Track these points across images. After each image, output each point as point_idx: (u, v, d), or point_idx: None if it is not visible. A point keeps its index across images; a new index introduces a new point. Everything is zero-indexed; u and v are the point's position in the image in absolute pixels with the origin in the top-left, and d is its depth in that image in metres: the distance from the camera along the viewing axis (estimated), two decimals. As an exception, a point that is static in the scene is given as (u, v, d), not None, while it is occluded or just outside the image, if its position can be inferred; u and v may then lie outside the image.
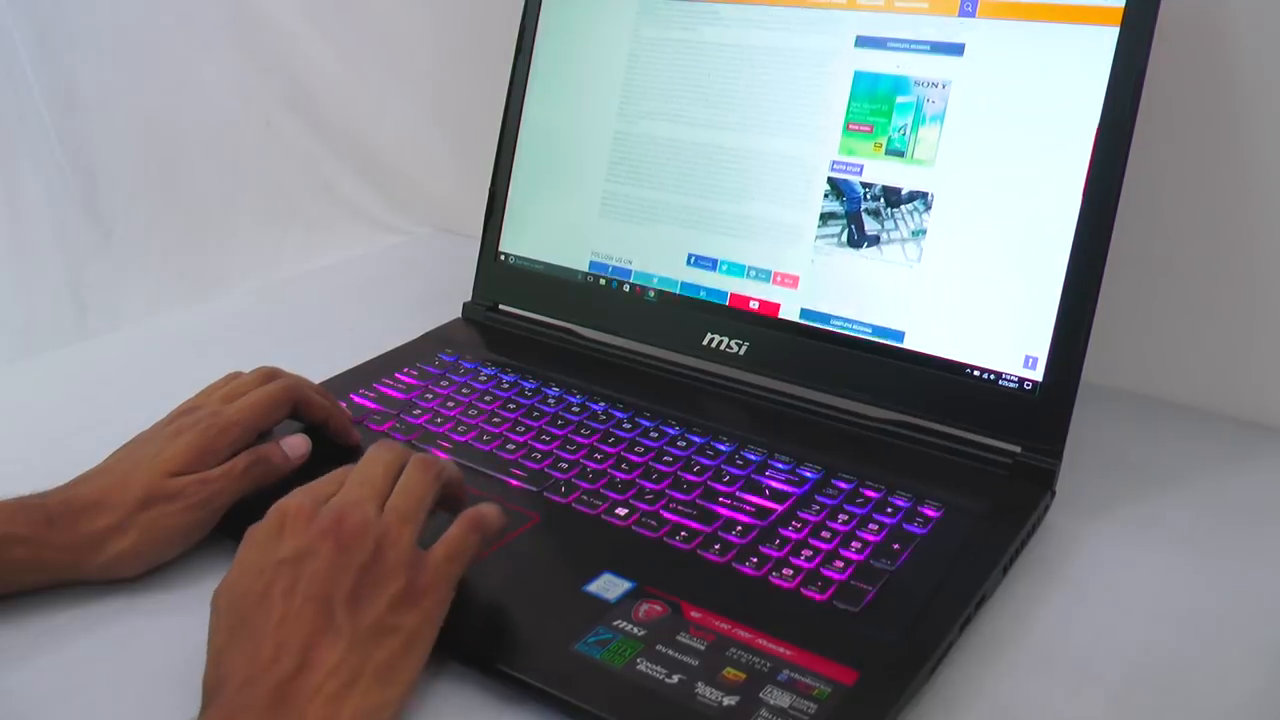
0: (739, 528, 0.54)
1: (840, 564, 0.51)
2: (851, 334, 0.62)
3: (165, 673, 0.47)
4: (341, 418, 0.61)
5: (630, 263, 0.71)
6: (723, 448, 0.60)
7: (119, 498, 0.51)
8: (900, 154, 0.61)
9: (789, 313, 0.65)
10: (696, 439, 0.61)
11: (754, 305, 0.66)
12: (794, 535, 0.53)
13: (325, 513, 0.44)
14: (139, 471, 0.52)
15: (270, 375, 0.59)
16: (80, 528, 0.50)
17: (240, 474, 0.53)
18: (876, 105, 0.62)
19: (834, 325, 0.63)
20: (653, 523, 0.54)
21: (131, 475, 0.52)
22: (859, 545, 0.52)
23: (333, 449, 0.60)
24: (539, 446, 0.61)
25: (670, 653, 0.45)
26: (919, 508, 0.55)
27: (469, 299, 0.78)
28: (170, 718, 0.40)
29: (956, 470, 0.58)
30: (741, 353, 0.66)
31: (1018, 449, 0.58)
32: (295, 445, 0.57)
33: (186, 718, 0.39)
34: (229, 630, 0.42)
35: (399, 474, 0.48)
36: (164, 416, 0.56)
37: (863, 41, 0.63)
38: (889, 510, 0.55)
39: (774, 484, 0.57)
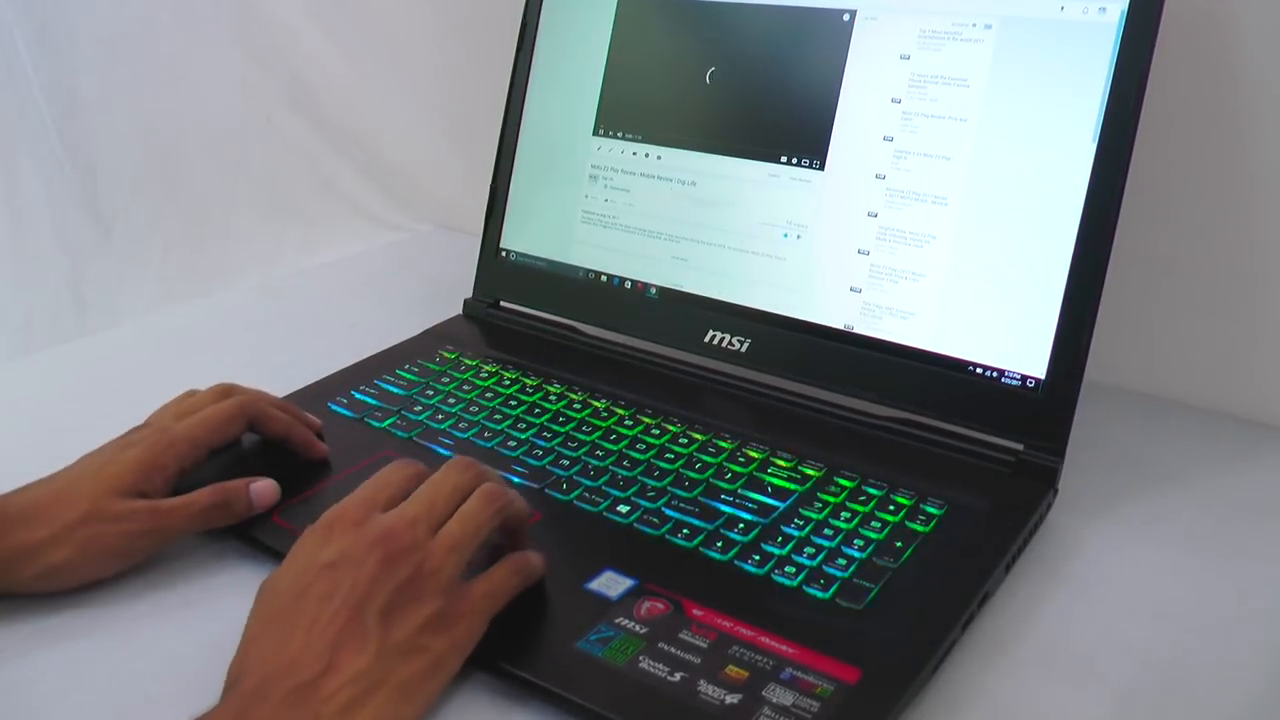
0: (741, 525, 0.54)
1: (843, 561, 0.51)
2: (854, 331, 0.62)
3: (166, 671, 0.47)
4: (302, 433, 0.59)
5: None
6: (725, 445, 0.60)
7: (57, 511, 0.49)
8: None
9: (792, 310, 0.65)
10: (698, 436, 0.61)
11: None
12: (796, 533, 0.53)
13: (375, 525, 0.44)
14: (83, 485, 0.50)
15: (226, 392, 0.58)
16: (12, 539, 0.48)
17: (196, 512, 0.52)
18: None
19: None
20: (655, 520, 0.54)
21: (74, 488, 0.50)
22: (861, 543, 0.52)
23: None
24: (540, 443, 0.61)
25: (672, 650, 0.45)
26: (921, 505, 0.55)
27: (470, 296, 0.78)
28: (171, 715, 0.40)
29: (959, 468, 0.58)
30: (743, 350, 0.66)
31: (1020, 447, 0.58)
32: (263, 492, 0.54)
33: (186, 715, 0.39)
34: (261, 623, 0.43)
35: (464, 499, 0.47)
36: (117, 436, 0.55)
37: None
38: (891, 508, 0.55)
39: (776, 481, 0.57)
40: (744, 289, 0.66)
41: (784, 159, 0.65)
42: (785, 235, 0.65)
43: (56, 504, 0.50)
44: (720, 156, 0.67)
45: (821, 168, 0.64)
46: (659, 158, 0.70)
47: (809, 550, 0.52)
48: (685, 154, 0.69)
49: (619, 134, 0.71)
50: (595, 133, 0.72)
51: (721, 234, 0.67)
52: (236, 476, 0.54)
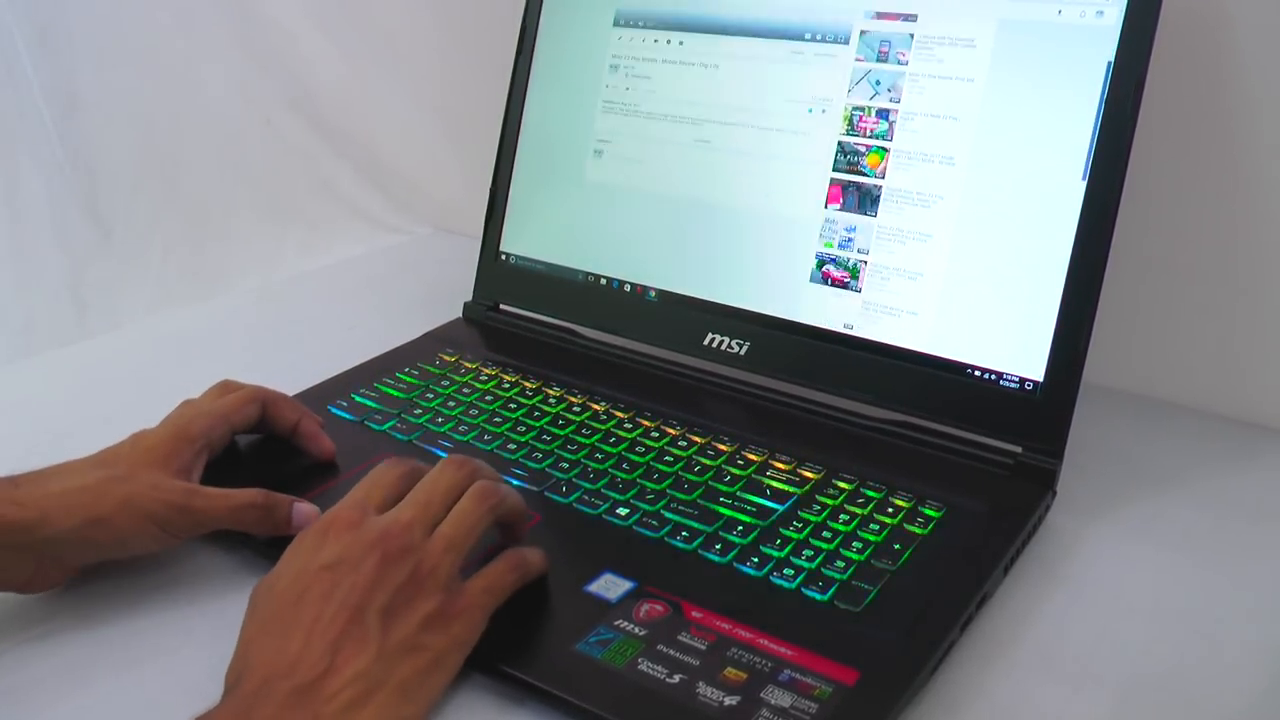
0: (740, 527, 0.54)
1: (841, 564, 0.51)
2: (853, 334, 0.63)
3: (166, 674, 0.47)
4: (312, 423, 0.59)
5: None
6: (724, 447, 0.60)
7: (97, 471, 0.50)
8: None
9: (791, 313, 0.65)
10: (698, 439, 0.61)
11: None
12: (795, 535, 0.53)
13: (372, 527, 0.45)
14: (119, 457, 0.52)
15: (227, 385, 0.59)
16: (53, 484, 0.48)
17: (236, 506, 0.51)
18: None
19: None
20: (654, 522, 0.54)
21: (112, 459, 0.51)
22: (860, 545, 0.52)
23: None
24: (540, 446, 0.61)
25: (671, 652, 0.45)
26: (920, 508, 0.55)
27: (470, 299, 0.78)
28: (172, 716, 0.40)
29: (958, 470, 0.58)
30: (742, 353, 0.66)
31: (1019, 449, 0.58)
32: (305, 514, 0.53)
33: (187, 716, 0.39)
34: (260, 625, 0.43)
35: (458, 497, 0.47)
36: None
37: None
38: (890, 510, 0.55)
39: (775, 484, 0.57)
40: (743, 291, 0.66)
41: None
42: (810, 110, 0.64)
43: (97, 466, 0.50)
44: (742, 38, 0.66)
45: (845, 42, 0.63)
46: (681, 43, 0.69)
47: (807, 553, 0.52)
48: (707, 38, 0.68)
49: (639, 24, 0.71)
50: (616, 24, 0.72)
51: (745, 114, 0.66)
52: (239, 480, 0.53)
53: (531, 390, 0.67)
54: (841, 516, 0.54)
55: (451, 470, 0.48)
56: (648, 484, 0.57)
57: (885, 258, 0.62)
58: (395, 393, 0.67)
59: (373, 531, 0.44)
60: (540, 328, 0.75)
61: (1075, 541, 0.56)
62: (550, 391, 0.67)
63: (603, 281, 0.72)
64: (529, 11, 0.75)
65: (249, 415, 0.57)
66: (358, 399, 0.66)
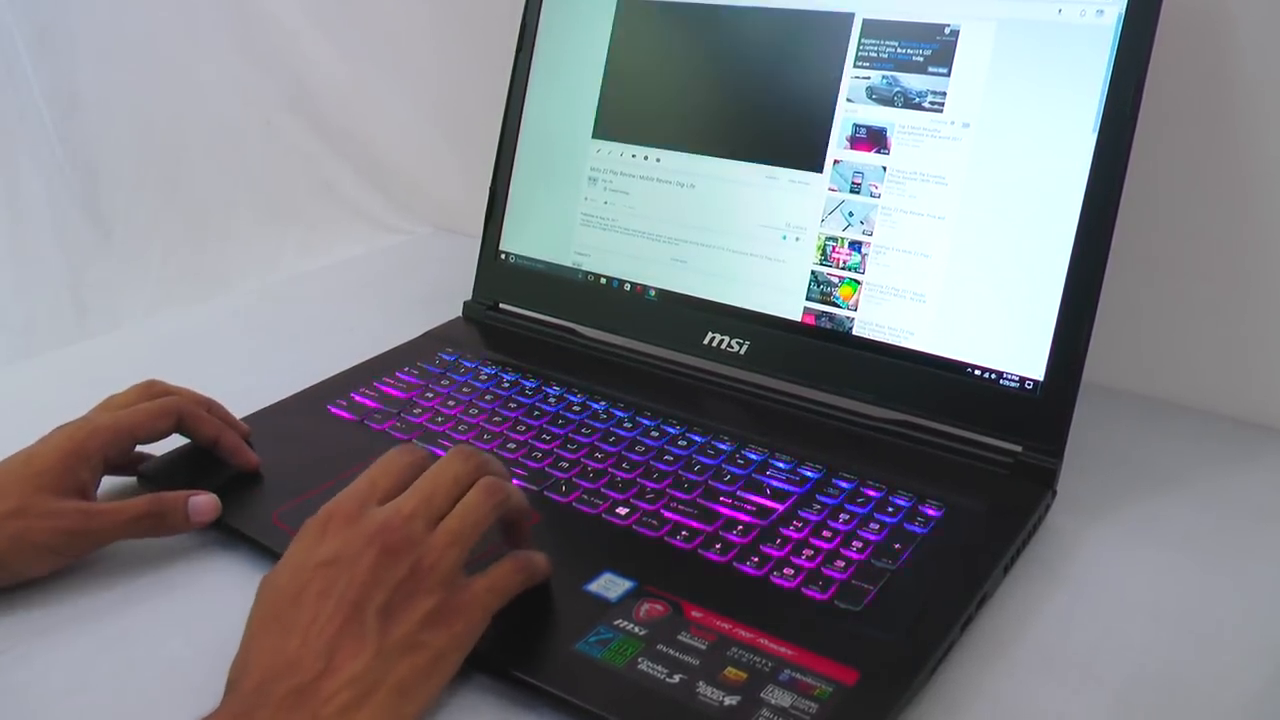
0: (740, 527, 0.54)
1: (841, 563, 0.51)
2: (853, 333, 0.62)
3: (166, 673, 0.47)
4: (232, 438, 0.58)
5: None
6: (723, 447, 0.60)
7: None
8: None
9: (790, 312, 0.65)
10: (697, 438, 0.61)
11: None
12: (795, 534, 0.53)
13: (371, 520, 0.44)
14: (9, 480, 0.50)
15: (150, 386, 0.58)
16: None
17: (128, 520, 0.51)
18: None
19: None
20: (654, 522, 0.54)
21: (2, 484, 0.50)
22: (860, 545, 0.52)
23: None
24: (540, 446, 0.61)
25: (671, 652, 0.45)
26: (920, 507, 0.55)
27: (469, 298, 0.78)
28: (172, 716, 0.40)
29: (958, 470, 0.58)
30: (742, 352, 0.66)
31: (1019, 449, 0.58)
32: (201, 507, 0.53)
33: (187, 716, 0.39)
34: (261, 622, 0.42)
35: (464, 490, 0.46)
36: None
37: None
38: (890, 509, 0.55)
39: (775, 483, 0.57)
40: (743, 291, 0.66)
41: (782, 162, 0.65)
42: (784, 237, 0.65)
43: None
44: (719, 159, 0.67)
45: (819, 170, 0.64)
46: (658, 160, 0.70)
47: (807, 552, 0.52)
48: (684, 156, 0.69)
49: (618, 137, 0.72)
50: (594, 135, 0.73)
51: (720, 236, 0.67)
52: (226, 479, 0.53)
53: (531, 389, 0.67)
54: (841, 516, 0.54)
55: (458, 462, 0.47)
56: (647, 483, 0.57)
57: (886, 259, 0.62)
58: (395, 392, 0.67)
59: (372, 525, 0.43)
60: (540, 327, 0.75)
61: (1075, 541, 0.56)
62: (549, 390, 0.67)
63: (603, 281, 0.72)
64: (529, 11, 0.75)
65: (159, 429, 0.56)
66: (357, 399, 0.66)
